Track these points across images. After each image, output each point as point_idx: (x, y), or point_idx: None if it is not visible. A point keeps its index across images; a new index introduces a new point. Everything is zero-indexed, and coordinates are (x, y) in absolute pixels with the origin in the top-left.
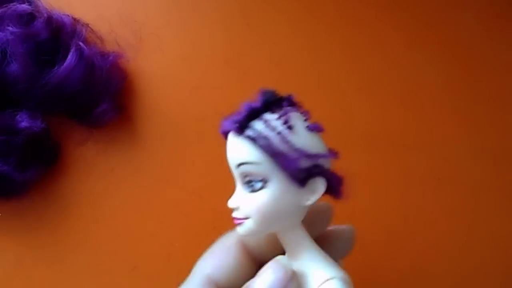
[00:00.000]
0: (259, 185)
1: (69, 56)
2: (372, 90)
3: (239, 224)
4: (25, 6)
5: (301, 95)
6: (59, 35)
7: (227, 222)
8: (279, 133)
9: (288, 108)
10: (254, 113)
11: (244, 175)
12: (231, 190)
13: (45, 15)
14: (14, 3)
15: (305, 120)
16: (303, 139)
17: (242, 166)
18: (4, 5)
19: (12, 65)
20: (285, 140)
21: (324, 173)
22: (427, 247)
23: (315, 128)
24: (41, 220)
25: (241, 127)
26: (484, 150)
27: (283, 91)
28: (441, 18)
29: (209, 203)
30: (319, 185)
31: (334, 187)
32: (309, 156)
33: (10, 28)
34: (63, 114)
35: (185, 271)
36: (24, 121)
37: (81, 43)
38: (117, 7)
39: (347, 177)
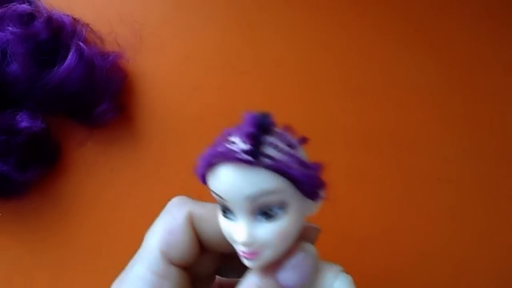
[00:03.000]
0: (279, 211)
1: (69, 56)
2: (372, 90)
3: (253, 257)
4: (25, 6)
5: (301, 95)
6: (59, 35)
7: None
8: (290, 154)
9: (277, 127)
10: (260, 139)
11: (261, 206)
12: None
13: (45, 15)
14: (14, 3)
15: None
16: (303, 154)
17: (261, 198)
18: (4, 5)
19: (12, 65)
20: (297, 160)
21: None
22: (427, 247)
23: (303, 141)
24: (41, 220)
25: (256, 157)
26: (484, 150)
27: (283, 91)
28: (441, 18)
29: None
30: (321, 194)
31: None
32: (317, 168)
33: (10, 28)
34: (63, 114)
35: None
36: (24, 121)
37: (81, 43)
38: (117, 7)
39: (347, 177)
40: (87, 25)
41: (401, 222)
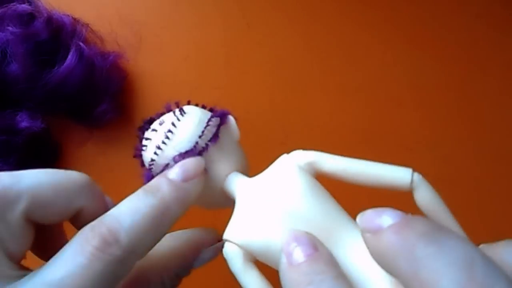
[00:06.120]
0: None
1: (69, 56)
2: (372, 90)
3: None
4: (25, 6)
5: (301, 95)
6: (59, 35)
7: (226, 221)
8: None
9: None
10: (141, 137)
11: None
12: None
13: (45, 15)
14: (14, 3)
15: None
16: (185, 126)
17: None
18: (4, 5)
19: (12, 65)
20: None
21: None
22: None
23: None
24: None
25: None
26: (484, 150)
27: (283, 91)
28: (441, 18)
29: None
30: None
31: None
32: (200, 136)
33: (10, 28)
34: (63, 114)
35: None
36: (24, 121)
37: (81, 43)
38: (117, 7)
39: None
40: (87, 25)
41: None
